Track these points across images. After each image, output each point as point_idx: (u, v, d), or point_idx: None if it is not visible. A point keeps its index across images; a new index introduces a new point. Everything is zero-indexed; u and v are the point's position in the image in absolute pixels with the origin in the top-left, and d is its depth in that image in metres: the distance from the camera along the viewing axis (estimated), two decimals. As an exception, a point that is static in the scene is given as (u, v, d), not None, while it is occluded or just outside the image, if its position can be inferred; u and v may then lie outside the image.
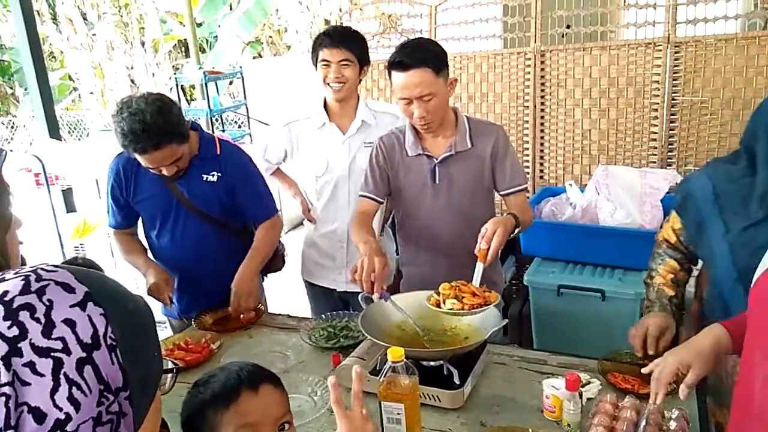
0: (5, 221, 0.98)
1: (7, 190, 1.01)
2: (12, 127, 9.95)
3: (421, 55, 1.74)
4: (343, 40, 2.11)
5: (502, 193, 1.94)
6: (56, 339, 0.56)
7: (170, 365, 0.77)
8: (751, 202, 1.37)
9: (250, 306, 1.98)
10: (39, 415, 0.54)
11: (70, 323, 0.58)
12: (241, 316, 1.99)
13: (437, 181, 1.91)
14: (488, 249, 1.63)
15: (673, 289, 1.64)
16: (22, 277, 0.59)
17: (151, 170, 1.88)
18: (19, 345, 0.55)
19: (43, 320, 0.56)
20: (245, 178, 2.05)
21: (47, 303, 0.57)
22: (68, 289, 0.59)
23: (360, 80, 2.22)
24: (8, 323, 0.55)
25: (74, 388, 0.56)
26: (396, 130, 1.99)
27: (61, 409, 0.55)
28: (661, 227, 1.73)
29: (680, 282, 1.65)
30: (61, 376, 0.56)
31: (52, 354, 0.56)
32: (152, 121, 1.72)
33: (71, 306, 0.58)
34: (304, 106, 2.33)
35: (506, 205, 1.97)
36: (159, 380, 0.69)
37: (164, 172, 1.87)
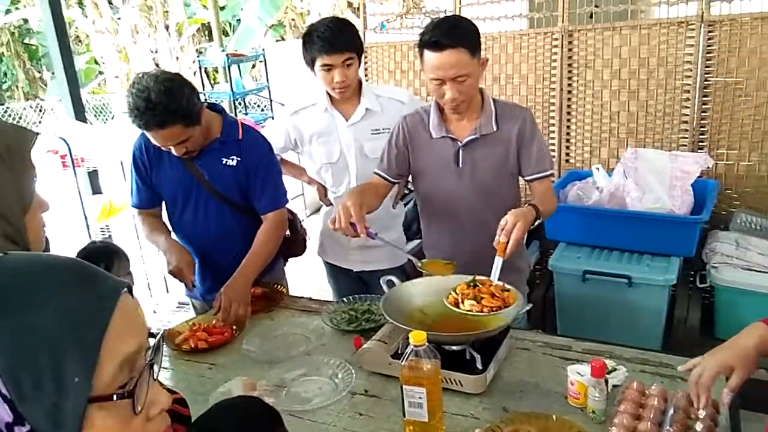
0: (25, 202, 0.97)
1: (32, 172, 0.99)
2: (40, 111, 10.11)
3: (458, 34, 1.68)
4: (342, 42, 2.00)
5: (526, 178, 1.88)
6: None
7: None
8: None
9: (239, 314, 1.85)
10: None
11: None
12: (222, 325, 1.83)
13: (460, 165, 1.87)
14: (507, 242, 1.60)
15: None
16: None
17: (160, 147, 1.87)
18: None
19: None
20: (260, 165, 2.01)
21: None
22: None
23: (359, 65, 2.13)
24: None
25: None
26: (421, 110, 1.95)
27: None
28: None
29: None
30: None
31: None
32: (157, 100, 1.70)
33: None
34: (313, 91, 2.25)
35: (530, 190, 1.92)
36: (83, 405, 0.54)
37: (172, 151, 1.86)
